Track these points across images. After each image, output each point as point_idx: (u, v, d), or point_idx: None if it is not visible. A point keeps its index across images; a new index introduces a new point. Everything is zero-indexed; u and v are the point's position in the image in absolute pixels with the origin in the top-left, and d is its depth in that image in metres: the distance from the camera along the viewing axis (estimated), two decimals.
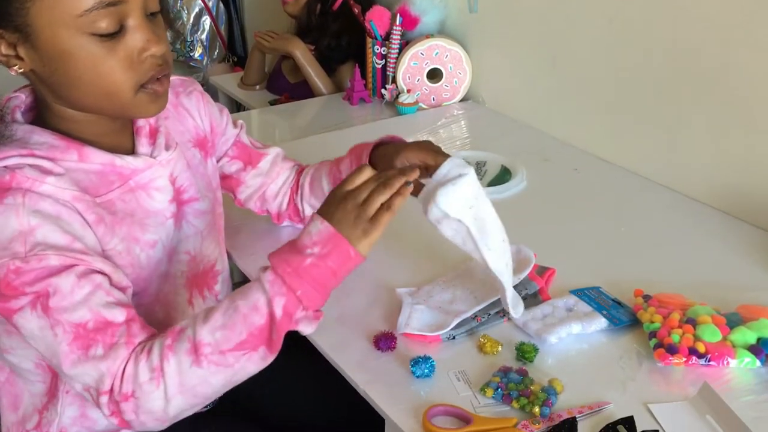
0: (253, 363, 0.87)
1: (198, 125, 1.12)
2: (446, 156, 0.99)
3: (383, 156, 1.09)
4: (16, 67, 0.88)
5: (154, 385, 0.84)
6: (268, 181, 1.24)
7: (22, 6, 0.83)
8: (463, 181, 0.93)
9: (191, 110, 1.11)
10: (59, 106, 0.92)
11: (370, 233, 0.87)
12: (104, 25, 0.84)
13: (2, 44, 0.86)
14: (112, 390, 0.85)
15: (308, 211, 1.24)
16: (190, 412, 0.89)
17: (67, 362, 0.85)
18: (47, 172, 0.88)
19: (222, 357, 0.85)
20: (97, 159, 0.93)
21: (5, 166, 0.87)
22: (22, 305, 0.85)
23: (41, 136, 0.90)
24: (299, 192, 1.24)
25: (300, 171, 1.26)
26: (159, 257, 1.01)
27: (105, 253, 0.93)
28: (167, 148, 1.01)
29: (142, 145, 0.99)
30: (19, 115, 0.93)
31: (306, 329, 0.88)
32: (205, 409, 1.17)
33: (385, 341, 1.03)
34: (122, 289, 0.92)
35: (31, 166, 0.87)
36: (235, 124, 1.22)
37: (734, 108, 1.38)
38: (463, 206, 0.93)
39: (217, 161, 1.19)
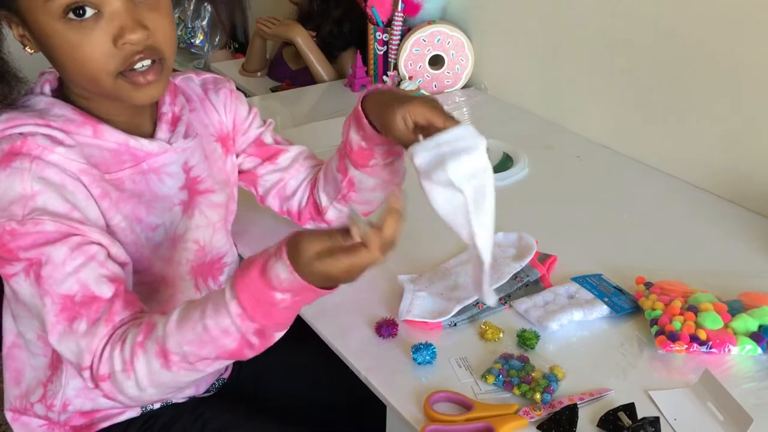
0: (223, 364, 0.87)
1: (222, 121, 1.13)
2: (455, 121, 0.93)
3: (380, 103, 1.00)
4: (27, 48, 0.90)
5: (126, 376, 0.84)
6: (287, 177, 1.19)
7: None
8: (478, 152, 0.87)
9: (217, 106, 1.12)
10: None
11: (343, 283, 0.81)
12: (72, 8, 0.84)
13: (16, 27, 0.89)
14: (91, 367, 0.85)
15: (324, 202, 1.17)
16: (169, 397, 0.91)
17: (54, 333, 0.86)
18: (58, 143, 0.89)
19: (191, 365, 0.84)
20: (112, 137, 0.94)
21: (20, 132, 0.88)
22: (17, 271, 0.86)
23: (61, 110, 0.92)
24: (316, 185, 1.20)
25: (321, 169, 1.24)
26: (159, 241, 1.01)
27: (109, 229, 0.94)
28: (186, 137, 1.02)
29: (162, 130, 1.00)
30: (47, 89, 0.96)
31: (278, 337, 0.85)
32: (208, 393, 1.17)
33: (386, 328, 1.04)
34: (121, 264, 0.92)
35: (44, 135, 0.89)
36: (263, 123, 1.19)
37: (736, 95, 1.38)
38: (470, 177, 0.87)
39: (236, 157, 1.19)
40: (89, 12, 0.85)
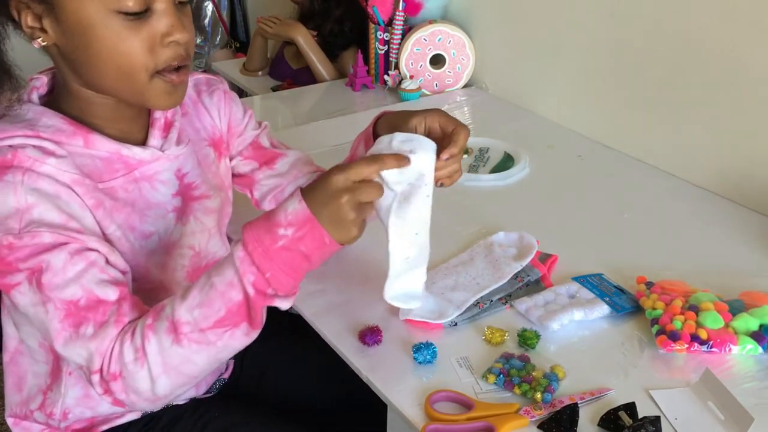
0: (236, 339, 0.85)
1: (215, 125, 1.12)
2: (464, 128, 0.97)
3: (390, 125, 1.03)
4: (39, 40, 0.88)
5: (139, 365, 0.83)
6: (285, 183, 1.19)
7: None
8: (416, 157, 0.88)
9: (211, 109, 1.11)
10: (78, 86, 0.92)
11: (349, 233, 0.83)
12: (131, 3, 0.84)
13: (29, 16, 0.86)
14: (101, 369, 0.84)
15: None
16: (181, 392, 0.88)
17: (60, 340, 0.85)
18: (49, 154, 0.88)
19: (202, 335, 0.83)
20: (103, 147, 0.93)
21: (9, 145, 0.87)
22: (19, 281, 0.85)
23: (50, 119, 0.91)
24: None
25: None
26: (153, 248, 1.01)
27: (105, 238, 0.93)
28: (178, 143, 1.01)
29: (154, 137, 0.99)
30: (35, 97, 0.94)
31: (282, 305, 0.85)
32: (208, 394, 1.17)
33: (371, 336, 1.02)
34: (120, 272, 0.92)
35: (34, 146, 0.88)
36: (259, 125, 1.20)
37: (738, 94, 1.38)
38: (401, 180, 0.88)
39: (231, 160, 1.18)
40: (144, 8, 0.85)
